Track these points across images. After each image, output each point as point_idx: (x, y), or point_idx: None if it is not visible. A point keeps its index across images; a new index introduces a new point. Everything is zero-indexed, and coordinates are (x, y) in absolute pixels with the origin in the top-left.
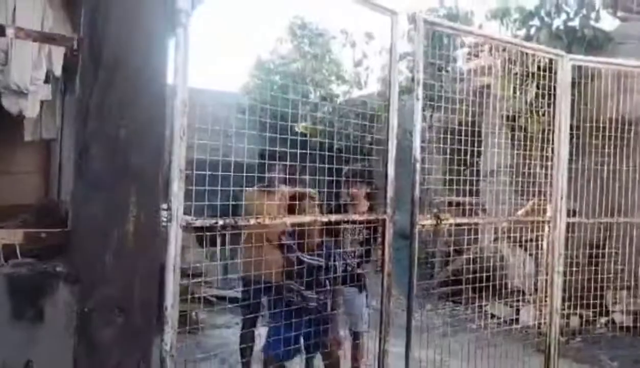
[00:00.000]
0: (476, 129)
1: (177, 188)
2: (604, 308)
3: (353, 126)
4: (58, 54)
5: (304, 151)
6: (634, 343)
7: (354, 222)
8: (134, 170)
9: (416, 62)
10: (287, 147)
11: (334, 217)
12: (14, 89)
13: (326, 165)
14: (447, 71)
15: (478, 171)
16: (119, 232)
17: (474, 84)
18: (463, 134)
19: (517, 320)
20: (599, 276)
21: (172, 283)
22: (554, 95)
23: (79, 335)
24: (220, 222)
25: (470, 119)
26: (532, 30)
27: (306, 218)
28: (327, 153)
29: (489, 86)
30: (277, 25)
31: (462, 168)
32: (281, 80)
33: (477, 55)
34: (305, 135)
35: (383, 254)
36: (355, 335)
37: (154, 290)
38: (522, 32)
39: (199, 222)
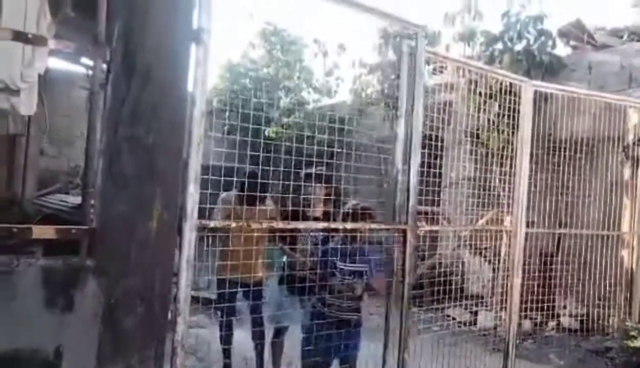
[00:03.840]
0: (439, 143)
1: (193, 189)
2: (553, 312)
3: (323, 132)
4: (44, 52)
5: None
6: (579, 344)
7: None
8: (159, 172)
9: (401, 83)
10: (255, 150)
11: (349, 225)
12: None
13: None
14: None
15: (441, 182)
16: (144, 228)
17: (439, 99)
18: (427, 146)
19: (475, 322)
20: (550, 282)
21: (184, 279)
22: (517, 115)
23: (104, 323)
24: (233, 224)
25: (434, 132)
26: (496, 53)
27: (319, 225)
28: (295, 157)
29: (453, 102)
30: (249, 29)
31: (428, 179)
32: (251, 84)
33: (441, 71)
34: (273, 139)
35: (404, 265)
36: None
37: (171, 283)
38: (487, 54)
39: (212, 224)
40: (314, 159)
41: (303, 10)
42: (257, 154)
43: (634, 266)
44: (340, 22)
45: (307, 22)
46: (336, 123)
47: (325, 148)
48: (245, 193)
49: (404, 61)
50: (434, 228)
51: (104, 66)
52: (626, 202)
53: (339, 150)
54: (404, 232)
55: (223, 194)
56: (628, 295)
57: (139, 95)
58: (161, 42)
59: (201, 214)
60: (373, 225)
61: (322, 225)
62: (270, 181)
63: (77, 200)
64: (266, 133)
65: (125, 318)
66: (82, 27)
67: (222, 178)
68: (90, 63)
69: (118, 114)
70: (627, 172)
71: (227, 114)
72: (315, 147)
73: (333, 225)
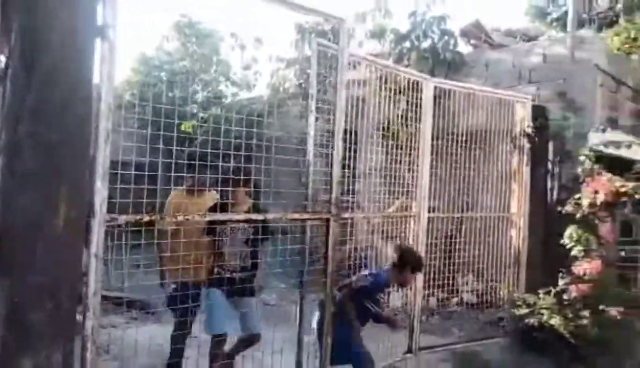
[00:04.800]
0: (352, 135)
1: (100, 185)
2: (455, 288)
3: (240, 127)
4: None
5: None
6: (477, 316)
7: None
8: (64, 169)
9: (311, 80)
10: (170, 146)
11: (270, 216)
12: None
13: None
14: (329, 81)
15: (354, 172)
16: (49, 226)
17: (353, 94)
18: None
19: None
20: (452, 261)
21: (93, 273)
22: (420, 110)
23: (7, 324)
24: (146, 219)
25: (347, 125)
26: (405, 50)
27: (239, 217)
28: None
29: (364, 97)
30: (163, 21)
31: (343, 170)
32: (166, 77)
33: (354, 67)
34: (188, 135)
35: (326, 253)
36: (253, 337)
37: (80, 280)
38: (397, 51)
39: (122, 219)
40: (231, 152)
41: (218, 3)
42: (170, 148)
43: (520, 244)
44: (257, 17)
45: (223, 15)
46: (255, 116)
47: (243, 141)
48: (196, 187)
49: (314, 58)
50: (352, 216)
51: (2, 61)
52: (514, 187)
53: (257, 143)
54: (327, 221)
55: (173, 192)
56: (516, 269)
57: (40, 91)
58: (63, 38)
59: (112, 209)
60: (295, 215)
61: (242, 216)
62: (186, 174)
63: None
64: (182, 127)
65: (30, 318)
66: None
67: (133, 172)
68: None
69: (19, 111)
70: (515, 160)
71: (139, 108)
72: (233, 141)
73: (254, 217)
